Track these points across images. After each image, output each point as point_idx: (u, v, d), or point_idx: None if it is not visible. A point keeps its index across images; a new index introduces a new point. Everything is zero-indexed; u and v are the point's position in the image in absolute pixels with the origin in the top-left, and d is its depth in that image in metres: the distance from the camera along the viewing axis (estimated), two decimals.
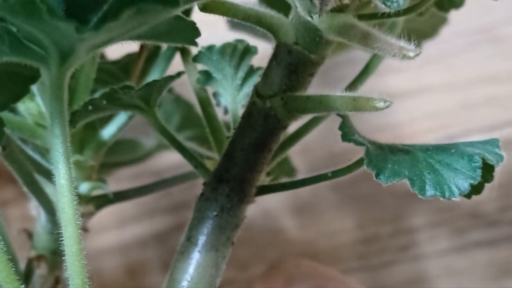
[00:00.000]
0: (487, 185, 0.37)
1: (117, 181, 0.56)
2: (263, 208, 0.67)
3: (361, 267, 0.65)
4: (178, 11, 0.32)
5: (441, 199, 0.34)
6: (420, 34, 0.52)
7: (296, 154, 0.66)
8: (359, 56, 0.54)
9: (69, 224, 0.31)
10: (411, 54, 0.31)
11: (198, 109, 0.54)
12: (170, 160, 0.63)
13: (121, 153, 0.54)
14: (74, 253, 0.31)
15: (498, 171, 0.65)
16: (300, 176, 0.67)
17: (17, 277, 0.31)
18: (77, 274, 0.31)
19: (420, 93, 0.70)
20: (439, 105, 0.69)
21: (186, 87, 0.51)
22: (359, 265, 0.65)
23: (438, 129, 0.68)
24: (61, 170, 0.31)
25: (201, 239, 0.38)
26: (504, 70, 0.70)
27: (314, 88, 0.38)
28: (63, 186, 0.31)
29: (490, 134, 0.66)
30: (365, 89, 0.37)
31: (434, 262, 0.65)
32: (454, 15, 0.54)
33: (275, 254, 0.65)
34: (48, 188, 0.41)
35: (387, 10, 0.31)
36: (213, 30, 0.48)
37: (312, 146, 0.67)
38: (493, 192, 0.39)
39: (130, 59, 0.45)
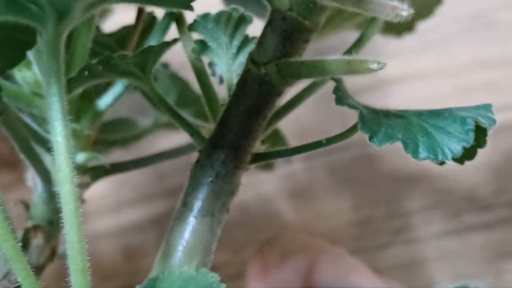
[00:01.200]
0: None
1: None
2: (258, 191, 0.67)
3: (357, 249, 0.65)
4: None
5: (434, 162, 0.34)
6: (416, 15, 0.52)
7: (292, 137, 0.66)
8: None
9: (65, 182, 0.31)
10: (404, 13, 0.31)
11: (194, 86, 0.55)
12: (167, 143, 0.63)
13: (117, 131, 0.54)
14: (70, 210, 0.31)
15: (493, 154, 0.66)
16: (296, 159, 0.68)
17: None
18: (74, 231, 0.31)
19: (415, 78, 0.70)
20: (434, 90, 0.70)
21: (182, 66, 0.52)
22: (354, 247, 0.65)
23: None
24: (58, 128, 0.31)
25: (197, 205, 0.38)
26: (498, 55, 0.70)
27: None
28: (60, 144, 0.31)
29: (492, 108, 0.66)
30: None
31: (429, 245, 0.65)
32: (449, 1, 0.54)
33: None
34: (45, 158, 0.41)
35: None
36: (208, 8, 0.48)
37: (307, 128, 0.68)
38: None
39: (125, 31, 0.45)
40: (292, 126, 0.67)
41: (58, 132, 0.31)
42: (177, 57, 0.47)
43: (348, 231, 0.66)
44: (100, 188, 0.54)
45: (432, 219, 0.66)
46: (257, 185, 0.68)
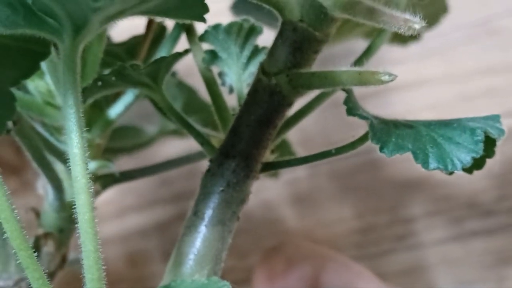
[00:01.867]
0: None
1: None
2: (262, 198, 0.67)
3: (359, 256, 0.65)
4: None
5: (444, 172, 0.35)
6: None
7: (296, 144, 0.67)
8: (360, 47, 0.55)
9: (82, 192, 0.32)
10: (417, 26, 0.31)
11: (201, 94, 0.55)
12: (173, 150, 0.63)
13: (124, 139, 0.54)
14: (86, 220, 0.32)
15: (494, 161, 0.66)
16: (300, 166, 0.68)
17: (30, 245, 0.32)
18: (90, 240, 0.32)
19: (419, 85, 0.71)
20: (438, 96, 0.70)
21: (189, 73, 0.52)
22: (357, 254, 0.65)
23: None
24: (74, 139, 0.32)
25: (208, 214, 0.39)
26: (501, 62, 0.70)
27: None
28: (76, 155, 0.31)
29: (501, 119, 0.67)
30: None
31: (431, 251, 0.65)
32: (452, 9, 0.55)
33: (274, 243, 0.66)
34: (56, 166, 0.42)
35: None
36: (218, 19, 0.49)
37: (312, 136, 0.68)
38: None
39: (136, 41, 0.45)
40: (297, 134, 0.67)
41: (75, 143, 0.31)
42: (183, 64, 0.47)
43: (351, 238, 0.66)
44: (104, 194, 0.55)
45: (434, 226, 0.66)
46: (260, 191, 0.68)
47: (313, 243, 0.63)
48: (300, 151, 0.67)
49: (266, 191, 0.68)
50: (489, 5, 0.71)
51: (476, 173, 0.38)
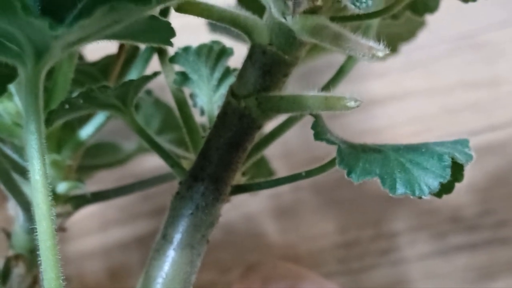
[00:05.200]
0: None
1: (101, 186, 0.57)
2: (244, 211, 0.67)
3: (342, 271, 0.65)
4: (152, 11, 0.32)
5: (412, 197, 0.35)
6: (398, 38, 0.53)
7: (278, 158, 0.66)
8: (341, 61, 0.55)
9: (44, 219, 0.31)
10: (380, 53, 0.31)
11: (178, 112, 0.55)
12: (154, 164, 0.63)
13: (101, 156, 0.54)
14: (48, 247, 0.31)
15: (478, 176, 0.66)
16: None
17: None
18: (51, 268, 0.31)
19: (402, 98, 0.71)
20: (421, 110, 0.70)
21: (165, 91, 0.52)
22: (340, 269, 0.65)
23: (420, 133, 0.69)
24: (36, 166, 0.31)
25: (176, 237, 0.38)
26: (484, 75, 0.70)
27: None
28: (38, 182, 0.31)
29: (471, 139, 0.66)
30: (346, 93, 0.37)
31: (415, 266, 0.65)
32: (436, 22, 0.55)
33: (256, 257, 0.65)
34: (26, 187, 0.41)
35: (356, 10, 0.31)
36: (196, 34, 0.48)
37: (294, 150, 0.68)
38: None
39: (108, 60, 0.45)
40: (279, 148, 0.67)
41: (36, 170, 0.31)
42: (160, 81, 0.47)
43: (333, 253, 0.66)
44: (86, 209, 0.54)
45: (418, 240, 0.66)
46: (243, 205, 0.68)
47: (291, 260, 0.63)
48: (282, 166, 0.67)
49: (249, 205, 0.68)
50: (472, 19, 0.71)
51: (460, 188, 0.38)
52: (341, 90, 0.38)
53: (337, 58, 0.52)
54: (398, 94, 0.71)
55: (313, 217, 0.67)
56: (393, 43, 0.53)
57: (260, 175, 0.53)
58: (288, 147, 0.68)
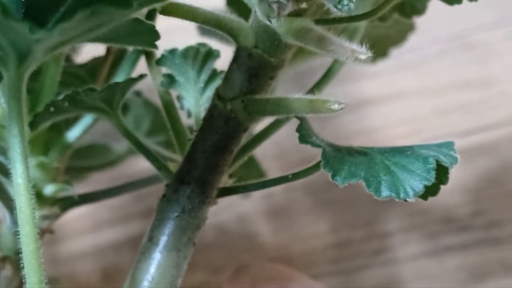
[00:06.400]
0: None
1: (93, 187, 0.57)
2: (237, 212, 0.67)
3: (334, 271, 0.65)
4: (134, 14, 0.32)
5: (397, 200, 0.35)
6: (387, 41, 0.53)
7: (270, 159, 0.66)
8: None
9: (26, 223, 0.31)
10: (363, 56, 0.31)
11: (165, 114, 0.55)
12: (146, 165, 0.63)
13: (92, 158, 0.54)
14: (30, 251, 0.31)
15: (470, 176, 0.66)
16: None
17: None
18: (34, 272, 0.31)
19: (395, 98, 0.71)
20: (413, 110, 0.70)
21: (155, 92, 0.52)
22: (332, 269, 0.65)
23: (412, 134, 0.69)
24: (18, 169, 0.31)
25: (163, 240, 0.38)
26: (476, 76, 0.70)
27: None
28: (20, 185, 0.31)
29: (463, 139, 0.66)
30: (339, 94, 0.37)
31: (407, 267, 0.65)
32: (427, 23, 0.55)
33: (248, 258, 0.65)
34: (11, 188, 0.41)
35: (338, 13, 0.31)
36: (186, 35, 0.48)
37: (287, 151, 0.68)
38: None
39: (96, 62, 0.45)
40: (272, 148, 0.67)
41: (19, 174, 0.31)
42: (149, 83, 0.47)
43: (325, 253, 0.66)
44: (78, 209, 0.54)
45: (410, 241, 0.66)
46: (235, 205, 0.68)
47: (283, 260, 0.63)
48: (275, 166, 0.67)
49: (241, 205, 0.68)
50: (464, 20, 0.71)
51: (451, 188, 0.38)
52: (334, 91, 0.38)
53: (330, 60, 0.53)
54: (391, 95, 0.71)
55: (305, 218, 0.67)
56: (383, 46, 0.53)
57: (251, 176, 0.53)
58: (281, 147, 0.68)
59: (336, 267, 0.66)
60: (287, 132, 0.57)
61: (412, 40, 0.56)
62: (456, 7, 0.43)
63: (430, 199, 0.67)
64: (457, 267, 0.65)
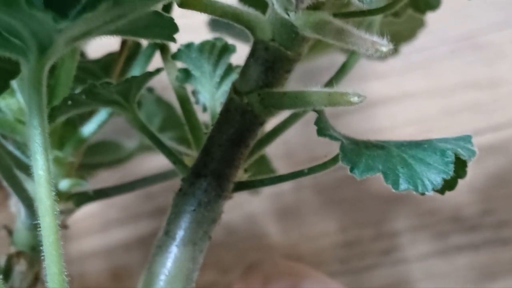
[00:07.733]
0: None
1: (103, 186, 0.57)
2: (246, 212, 0.67)
3: (343, 271, 0.65)
4: (156, 6, 0.32)
5: (414, 193, 0.35)
6: (398, 37, 0.53)
7: (279, 158, 0.66)
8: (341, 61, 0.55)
9: (47, 214, 0.31)
10: (384, 49, 0.31)
11: (179, 110, 0.55)
12: (155, 163, 0.63)
13: (103, 154, 0.54)
14: (51, 243, 0.31)
15: (479, 176, 0.66)
16: None
17: None
18: (54, 263, 0.31)
19: (403, 99, 0.71)
20: (422, 111, 0.70)
21: (167, 89, 0.52)
22: (341, 269, 0.65)
23: (420, 134, 0.69)
24: (39, 161, 0.31)
25: (179, 234, 0.38)
26: (485, 76, 0.70)
27: None
28: (41, 177, 0.31)
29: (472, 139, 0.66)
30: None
31: (416, 266, 0.65)
32: (436, 24, 0.55)
33: (257, 258, 0.65)
34: (28, 184, 0.41)
35: (361, 6, 0.31)
36: (196, 35, 0.48)
37: (296, 150, 0.68)
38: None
39: (110, 58, 0.45)
40: (280, 147, 0.67)
41: (40, 165, 0.31)
42: (161, 80, 0.47)
43: (335, 252, 0.66)
44: (88, 208, 0.54)
45: (419, 240, 0.66)
46: (244, 205, 0.68)
47: (292, 259, 0.63)
48: (283, 165, 0.66)
49: (250, 205, 0.68)
50: (473, 20, 0.71)
51: (460, 187, 0.37)
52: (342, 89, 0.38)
53: (338, 59, 0.53)
54: (399, 95, 0.71)
55: (314, 217, 0.67)
56: (395, 42, 0.52)
57: (262, 174, 0.53)
58: (289, 146, 0.68)
59: (345, 267, 0.66)
60: (296, 131, 0.57)
61: (420, 40, 0.56)
62: (465, 7, 0.43)
63: (439, 198, 0.67)
64: (466, 267, 0.65)
